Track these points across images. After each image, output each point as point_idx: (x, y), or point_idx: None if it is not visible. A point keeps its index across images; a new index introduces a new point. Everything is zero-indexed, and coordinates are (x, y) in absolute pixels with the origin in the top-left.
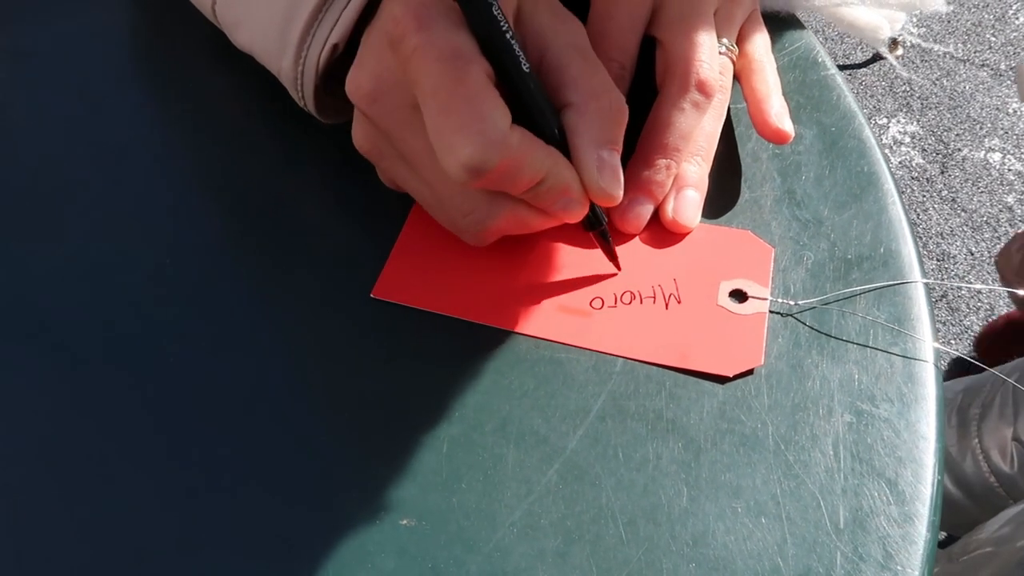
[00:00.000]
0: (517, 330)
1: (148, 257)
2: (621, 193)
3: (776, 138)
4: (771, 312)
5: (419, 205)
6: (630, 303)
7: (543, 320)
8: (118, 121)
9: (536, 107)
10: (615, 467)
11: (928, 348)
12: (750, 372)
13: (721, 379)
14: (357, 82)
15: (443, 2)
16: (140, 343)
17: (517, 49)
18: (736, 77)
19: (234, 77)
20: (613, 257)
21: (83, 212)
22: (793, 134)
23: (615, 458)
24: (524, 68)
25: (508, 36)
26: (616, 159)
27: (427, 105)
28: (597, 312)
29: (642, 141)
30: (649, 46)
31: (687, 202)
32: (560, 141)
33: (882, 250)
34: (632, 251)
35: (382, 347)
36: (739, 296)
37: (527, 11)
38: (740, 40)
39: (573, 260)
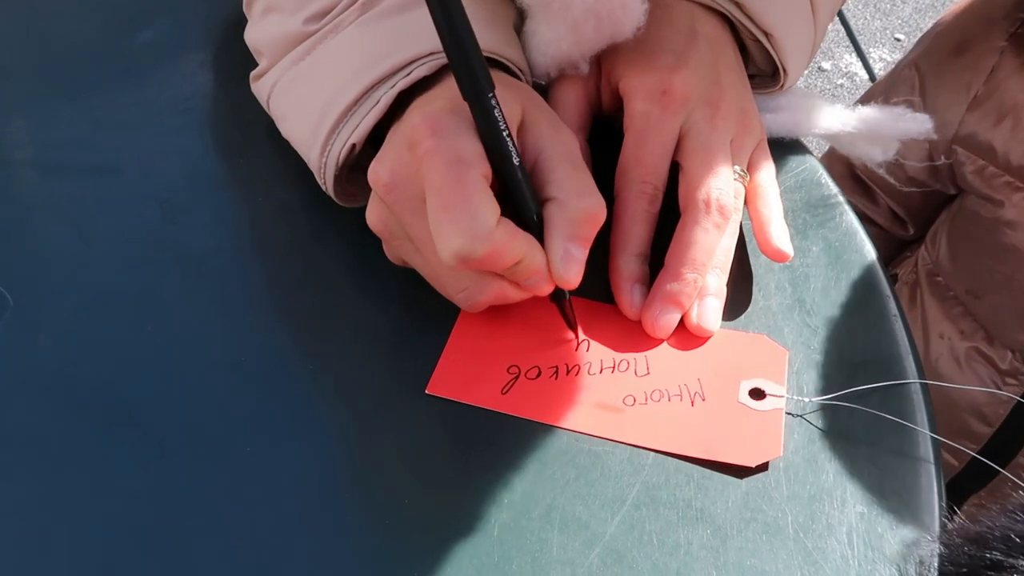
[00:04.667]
0: (559, 425)
1: (225, 354)
2: (577, 281)
3: (777, 257)
4: (786, 410)
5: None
6: (659, 400)
7: (582, 416)
8: (196, 229)
9: (521, 197)
10: (650, 552)
11: (927, 442)
12: (766, 467)
13: (743, 470)
14: (378, 173)
15: (456, 112)
16: (218, 433)
17: (511, 146)
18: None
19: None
20: (572, 326)
21: (165, 313)
22: (792, 254)
23: (650, 543)
24: (515, 162)
25: (504, 135)
26: (580, 252)
27: (431, 200)
28: (630, 409)
29: (670, 257)
30: (672, 168)
31: (709, 309)
32: (540, 228)
33: (884, 353)
34: (661, 353)
35: (436, 439)
36: (757, 394)
37: (529, 121)
38: (748, 167)
39: (602, 356)
